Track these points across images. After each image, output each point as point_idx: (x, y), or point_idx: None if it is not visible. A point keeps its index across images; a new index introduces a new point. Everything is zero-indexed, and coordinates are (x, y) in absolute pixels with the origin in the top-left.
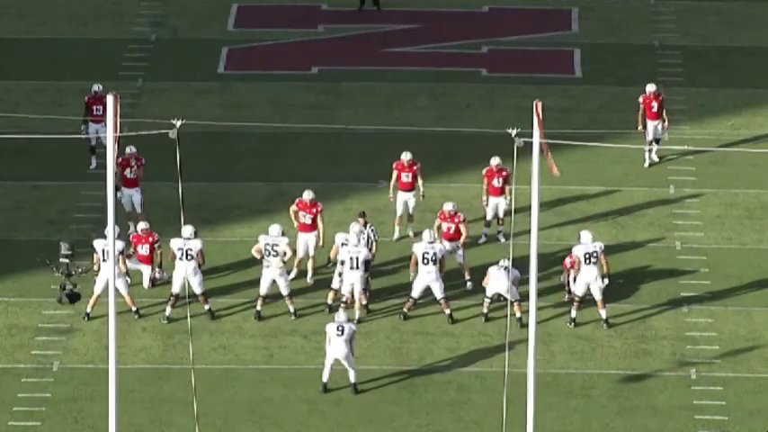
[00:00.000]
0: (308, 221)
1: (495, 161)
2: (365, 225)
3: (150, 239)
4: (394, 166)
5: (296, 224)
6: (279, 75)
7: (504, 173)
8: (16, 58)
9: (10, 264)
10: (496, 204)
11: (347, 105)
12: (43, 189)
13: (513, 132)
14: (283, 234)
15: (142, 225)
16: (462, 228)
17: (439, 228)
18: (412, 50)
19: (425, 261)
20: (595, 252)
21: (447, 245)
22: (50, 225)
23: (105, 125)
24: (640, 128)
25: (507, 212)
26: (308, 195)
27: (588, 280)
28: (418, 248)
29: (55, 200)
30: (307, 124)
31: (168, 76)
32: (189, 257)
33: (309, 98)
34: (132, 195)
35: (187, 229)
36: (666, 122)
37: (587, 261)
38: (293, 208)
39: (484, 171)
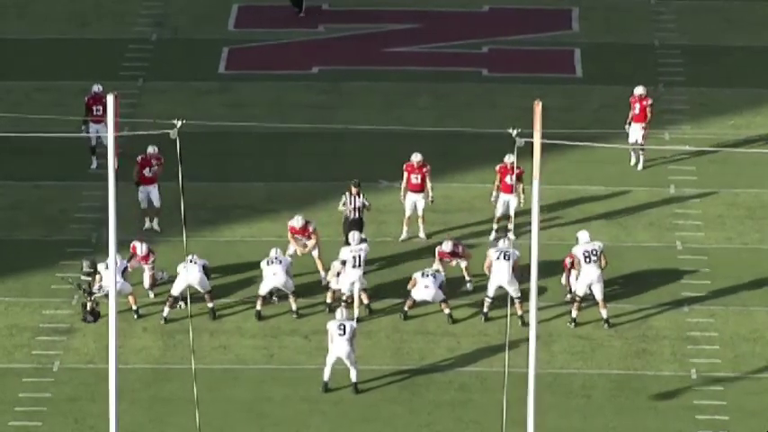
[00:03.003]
0: (309, 243)
1: (509, 159)
2: (358, 195)
3: (147, 259)
4: (404, 167)
5: (295, 248)
6: (279, 75)
7: (518, 170)
8: (17, 57)
9: (10, 264)
10: (507, 202)
11: (348, 105)
12: (44, 189)
13: (514, 132)
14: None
15: (143, 248)
16: (462, 264)
17: (441, 262)
18: (412, 50)
19: (425, 275)
20: (595, 250)
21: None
22: (51, 225)
23: (105, 125)
24: (627, 126)
25: (518, 213)
26: (297, 222)
27: (589, 280)
28: (417, 274)
29: (55, 200)
30: (307, 124)
31: (169, 75)
32: (192, 262)
33: (310, 98)
34: (150, 192)
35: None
36: (647, 130)
37: (587, 260)
38: (289, 235)
39: (497, 167)
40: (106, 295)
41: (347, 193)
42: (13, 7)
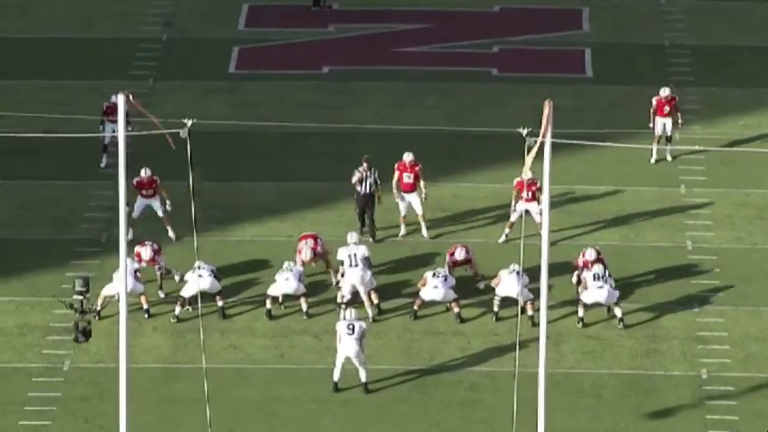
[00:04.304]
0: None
1: (527, 176)
2: (369, 169)
3: (154, 262)
4: (396, 166)
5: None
6: (289, 74)
7: (534, 187)
8: (26, 57)
9: (20, 263)
10: (527, 209)
11: (357, 105)
12: (53, 188)
13: (525, 132)
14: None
15: (147, 252)
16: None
17: (451, 266)
18: (422, 50)
19: (436, 275)
20: (605, 276)
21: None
22: (60, 224)
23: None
24: (651, 125)
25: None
26: (306, 256)
27: (596, 299)
28: (428, 274)
29: (64, 199)
30: (317, 124)
31: (179, 75)
32: (200, 268)
33: (320, 98)
34: (152, 203)
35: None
36: (681, 122)
37: (595, 279)
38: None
39: (515, 182)
40: (98, 311)
41: (360, 167)
42: (22, 7)
